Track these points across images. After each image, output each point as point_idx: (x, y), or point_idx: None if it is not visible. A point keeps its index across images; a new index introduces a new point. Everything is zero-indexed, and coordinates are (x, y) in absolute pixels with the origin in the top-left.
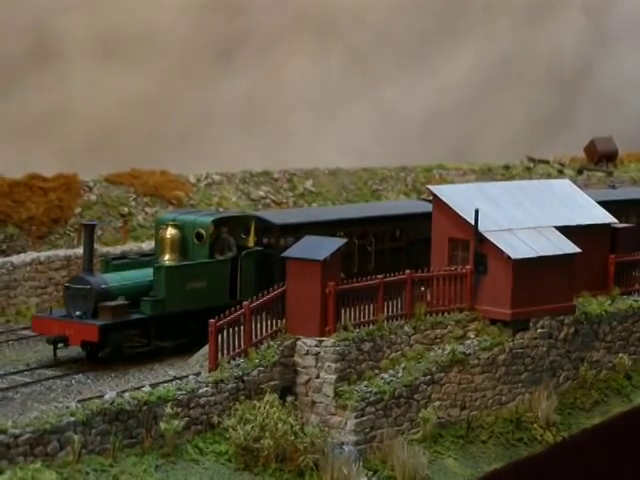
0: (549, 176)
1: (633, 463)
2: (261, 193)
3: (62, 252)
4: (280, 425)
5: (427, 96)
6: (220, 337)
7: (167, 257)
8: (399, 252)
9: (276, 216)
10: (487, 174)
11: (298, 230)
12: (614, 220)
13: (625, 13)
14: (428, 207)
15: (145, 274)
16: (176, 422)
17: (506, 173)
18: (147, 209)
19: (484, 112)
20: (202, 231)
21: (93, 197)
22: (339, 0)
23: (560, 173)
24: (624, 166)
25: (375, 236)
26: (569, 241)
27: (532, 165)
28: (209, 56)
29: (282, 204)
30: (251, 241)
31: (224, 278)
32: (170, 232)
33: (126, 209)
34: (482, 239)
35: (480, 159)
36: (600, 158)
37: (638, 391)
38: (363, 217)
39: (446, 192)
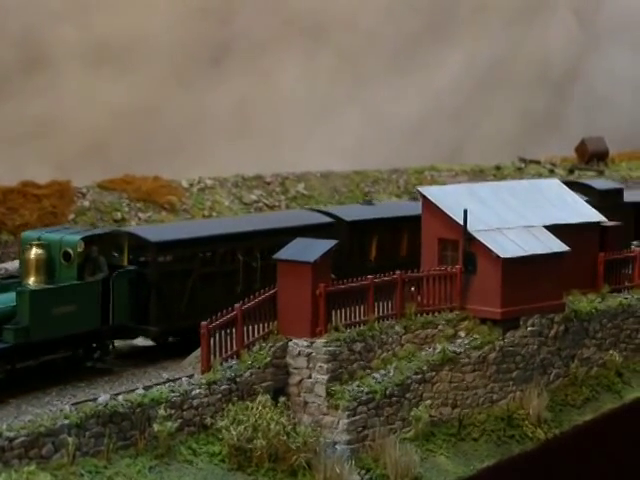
0: (540, 176)
1: (624, 459)
2: (253, 197)
3: None
4: (273, 425)
5: (418, 98)
6: (212, 339)
7: (32, 280)
8: None
9: (152, 232)
10: (479, 175)
11: (176, 247)
12: (603, 219)
13: (614, 14)
14: (318, 218)
15: (8, 299)
16: (169, 424)
17: (497, 174)
18: (140, 214)
19: (475, 114)
20: (70, 250)
21: (86, 203)
22: (329, 4)
23: (551, 173)
24: (615, 165)
25: (261, 252)
26: (558, 240)
27: (523, 165)
28: (200, 62)
29: (275, 207)
30: (125, 260)
31: (95, 301)
32: (35, 252)
33: (119, 215)
34: (471, 239)
35: (472, 160)
36: (591, 158)
37: (629, 388)
38: (247, 231)
39: (435, 193)
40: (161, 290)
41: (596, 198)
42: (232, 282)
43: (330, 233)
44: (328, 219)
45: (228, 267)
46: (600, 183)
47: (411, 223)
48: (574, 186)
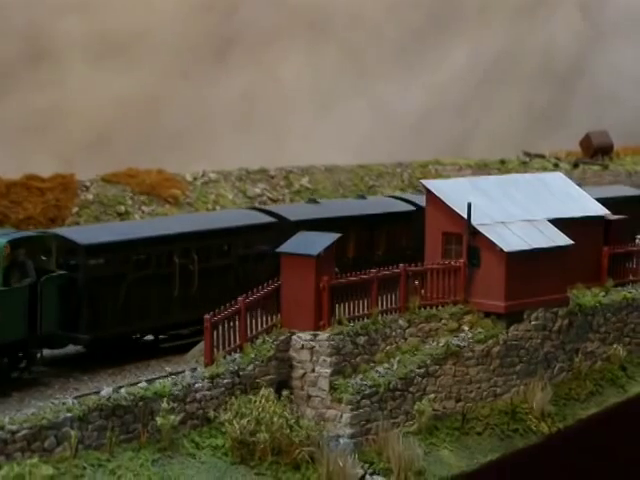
0: (545, 170)
1: (628, 453)
2: (257, 190)
3: None
4: (276, 419)
5: (423, 92)
6: (215, 333)
7: None
8: (227, 271)
9: (82, 234)
10: (483, 169)
11: (108, 250)
12: (607, 212)
13: (619, 8)
14: (260, 218)
15: None
16: (172, 417)
17: (502, 168)
18: (144, 208)
19: (480, 108)
20: None
21: (90, 196)
22: None
23: (556, 167)
24: (620, 159)
25: (198, 253)
26: (562, 233)
27: (528, 160)
28: (204, 55)
29: (278, 201)
30: (53, 264)
31: (21, 308)
32: None
33: (123, 208)
34: (475, 233)
35: (476, 154)
36: (595, 152)
37: (633, 382)
38: (184, 232)
39: (439, 187)
40: (92, 296)
41: None
42: (168, 286)
43: (274, 233)
44: (271, 219)
45: (164, 270)
46: None
47: (359, 223)
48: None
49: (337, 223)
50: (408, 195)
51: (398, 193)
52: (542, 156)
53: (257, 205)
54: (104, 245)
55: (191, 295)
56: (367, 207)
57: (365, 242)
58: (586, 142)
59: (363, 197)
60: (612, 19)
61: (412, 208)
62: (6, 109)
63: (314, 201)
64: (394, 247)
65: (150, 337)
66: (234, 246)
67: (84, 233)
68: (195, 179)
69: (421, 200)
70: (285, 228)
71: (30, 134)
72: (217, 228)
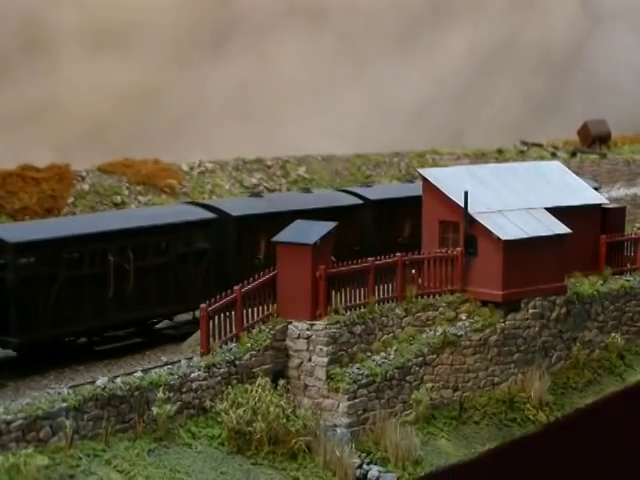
0: (542, 159)
1: (627, 442)
2: (254, 180)
3: None
4: (272, 408)
5: (420, 81)
6: (212, 322)
7: None
8: (165, 270)
9: (11, 231)
10: (481, 158)
11: (39, 248)
12: (605, 201)
13: None
14: (200, 214)
15: None
16: (168, 406)
17: (500, 157)
18: (140, 197)
19: (477, 97)
20: None
21: (86, 187)
22: None
23: (553, 156)
24: (617, 148)
25: (134, 252)
26: (559, 222)
27: (525, 149)
28: (201, 44)
29: (275, 191)
30: None
31: None
32: None
33: (119, 198)
34: (472, 221)
35: (474, 144)
36: (593, 141)
37: (631, 370)
38: (119, 230)
39: (436, 175)
40: (22, 297)
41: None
42: (102, 286)
43: (214, 230)
44: (211, 214)
45: (98, 270)
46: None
47: (304, 217)
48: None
49: (281, 218)
50: (356, 188)
51: (350, 187)
52: (540, 145)
53: (198, 200)
54: (34, 243)
55: (127, 295)
56: (312, 201)
57: None
58: (584, 131)
59: (309, 190)
60: (609, 8)
61: (359, 202)
62: (2, 99)
63: (257, 195)
64: (340, 243)
65: (84, 340)
66: (172, 244)
67: (14, 230)
68: (192, 169)
69: (370, 193)
70: (226, 224)
71: (26, 124)
72: (154, 225)
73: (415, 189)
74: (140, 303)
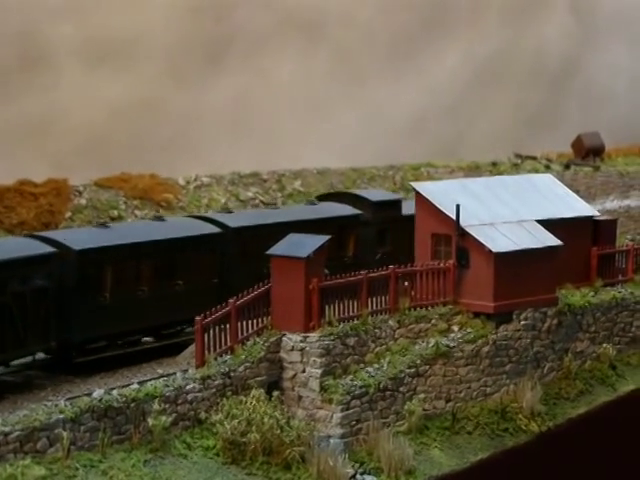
0: (536, 172)
1: (619, 452)
2: (250, 194)
3: None
4: (266, 419)
5: (415, 95)
6: (207, 335)
7: None
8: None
9: None
10: (475, 171)
11: None
12: (596, 213)
13: (612, 9)
14: (39, 248)
15: None
16: (164, 418)
17: (494, 170)
18: (137, 212)
19: (471, 110)
20: None
21: (83, 201)
22: (325, 1)
23: (547, 169)
24: (611, 160)
25: None
26: (551, 234)
27: (519, 161)
28: (197, 59)
29: (271, 205)
30: None
31: None
32: None
33: (116, 212)
34: (464, 234)
35: (468, 156)
36: (587, 153)
37: (623, 380)
38: None
39: (428, 189)
40: None
41: (370, 210)
42: None
43: (55, 265)
44: (51, 249)
45: None
46: (375, 194)
47: (155, 249)
48: (345, 197)
49: (129, 250)
50: (216, 214)
51: (209, 213)
52: (534, 158)
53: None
54: None
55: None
56: (163, 231)
57: (163, 271)
58: (578, 143)
59: (161, 219)
60: (604, 20)
61: (218, 230)
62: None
63: (104, 225)
64: (197, 276)
65: None
66: (9, 281)
67: None
68: (188, 183)
69: (231, 220)
70: (68, 259)
71: (23, 139)
72: None
73: (297, 213)
74: None
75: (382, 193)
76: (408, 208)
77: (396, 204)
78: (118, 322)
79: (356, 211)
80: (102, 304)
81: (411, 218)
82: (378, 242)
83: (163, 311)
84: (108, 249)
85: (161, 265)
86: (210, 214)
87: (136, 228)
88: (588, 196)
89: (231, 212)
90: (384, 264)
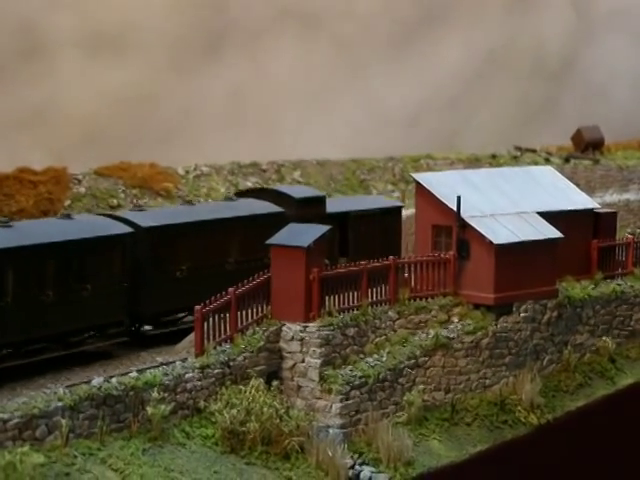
0: (536, 164)
1: (617, 445)
2: (249, 184)
3: None
4: (266, 409)
5: (414, 87)
6: (206, 324)
7: None
8: None
9: None
10: (474, 163)
11: None
12: (596, 205)
13: (611, 3)
14: None
15: None
16: (163, 407)
17: (493, 162)
18: (136, 201)
19: (472, 102)
20: None
21: (82, 189)
22: None
23: (547, 162)
24: (611, 154)
25: None
26: (551, 226)
27: (519, 154)
28: (196, 49)
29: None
30: None
31: None
32: None
33: (115, 201)
34: (464, 225)
35: (468, 149)
36: (587, 146)
37: (622, 374)
38: None
39: (429, 179)
40: None
41: (293, 207)
42: None
43: None
44: None
45: None
46: (298, 190)
47: (57, 252)
48: (266, 193)
49: (30, 252)
50: (127, 213)
51: (121, 212)
52: (533, 151)
53: None
54: None
55: None
56: (66, 232)
57: (67, 276)
58: (577, 137)
59: (69, 217)
60: (603, 15)
61: (128, 230)
62: None
63: (6, 224)
64: (102, 280)
65: None
66: None
67: None
68: (187, 172)
69: (143, 219)
70: None
71: (23, 127)
72: None
73: (214, 211)
74: None
75: (306, 189)
76: (333, 206)
77: (321, 201)
78: (20, 330)
79: (278, 208)
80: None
81: (336, 216)
82: None
83: (67, 318)
84: (8, 251)
85: (64, 268)
86: (121, 212)
87: (40, 228)
88: (587, 189)
89: (143, 210)
90: None
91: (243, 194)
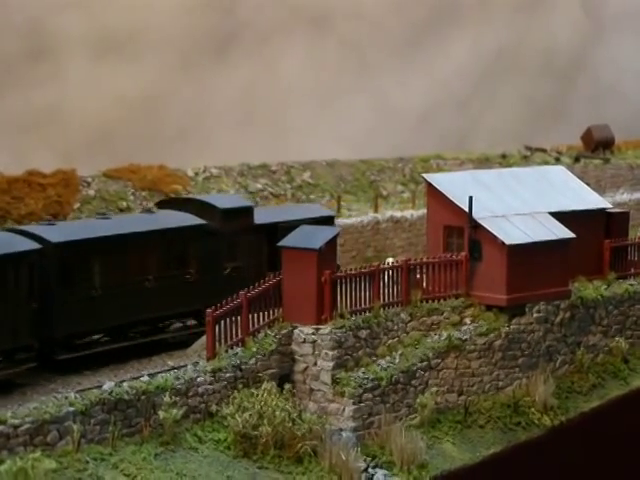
0: (546, 164)
1: (631, 446)
2: (259, 186)
3: None
4: (278, 412)
5: (424, 87)
6: (218, 327)
7: None
8: None
9: None
10: (484, 163)
11: None
12: (609, 205)
13: (620, 3)
14: None
15: None
16: (175, 411)
17: (503, 162)
18: (145, 203)
19: (481, 102)
20: None
21: (92, 192)
22: None
23: (557, 161)
24: (621, 153)
25: None
26: (563, 226)
27: (529, 154)
28: (206, 51)
29: (280, 196)
30: None
31: None
32: None
33: (125, 204)
34: (476, 226)
35: (478, 149)
36: (597, 146)
37: (635, 374)
38: None
39: (439, 180)
40: None
41: (217, 219)
42: None
43: None
44: None
45: None
46: (223, 200)
47: None
48: (190, 203)
49: None
50: (34, 227)
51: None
52: (543, 150)
53: None
54: None
55: None
56: None
57: None
58: (587, 136)
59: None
60: (613, 13)
61: (35, 246)
62: (7, 105)
63: None
64: (6, 302)
65: None
66: None
67: None
68: (197, 174)
69: (53, 234)
70: None
71: (32, 130)
72: None
73: (130, 224)
74: None
75: (232, 199)
76: (261, 217)
77: (248, 212)
78: None
79: (200, 221)
80: None
81: (265, 228)
82: (227, 256)
83: None
84: None
85: None
86: (28, 226)
87: None
88: (598, 189)
89: (53, 224)
90: (233, 281)
91: (165, 205)
